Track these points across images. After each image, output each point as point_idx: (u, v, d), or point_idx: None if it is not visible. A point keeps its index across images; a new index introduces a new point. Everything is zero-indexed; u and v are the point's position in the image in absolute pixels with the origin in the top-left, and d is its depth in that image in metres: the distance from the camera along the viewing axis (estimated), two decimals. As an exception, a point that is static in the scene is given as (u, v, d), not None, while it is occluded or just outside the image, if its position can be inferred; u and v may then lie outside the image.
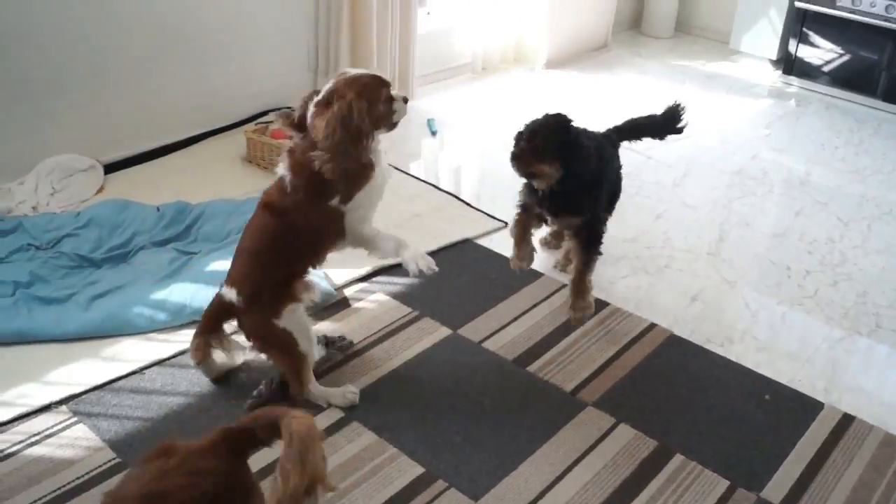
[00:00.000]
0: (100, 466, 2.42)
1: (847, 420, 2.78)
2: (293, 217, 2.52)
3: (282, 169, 2.56)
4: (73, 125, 3.84)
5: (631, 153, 4.65)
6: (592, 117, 5.09)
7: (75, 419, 2.58)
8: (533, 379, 2.87)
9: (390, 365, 2.89)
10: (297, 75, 4.65)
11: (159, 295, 3.01)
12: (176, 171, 4.04)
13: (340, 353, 2.90)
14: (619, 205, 4.10)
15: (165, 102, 4.14)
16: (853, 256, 3.83)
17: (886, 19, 5.47)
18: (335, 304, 3.18)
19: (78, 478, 2.38)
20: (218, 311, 2.65)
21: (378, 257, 2.68)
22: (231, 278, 2.60)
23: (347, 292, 3.26)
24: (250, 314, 2.58)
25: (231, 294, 2.58)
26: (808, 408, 2.83)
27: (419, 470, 2.47)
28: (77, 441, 2.50)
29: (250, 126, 4.30)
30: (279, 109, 4.49)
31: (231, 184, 3.95)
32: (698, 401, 2.83)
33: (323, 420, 2.62)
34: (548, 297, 3.31)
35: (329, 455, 2.43)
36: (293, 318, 2.57)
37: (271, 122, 4.32)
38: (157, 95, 4.09)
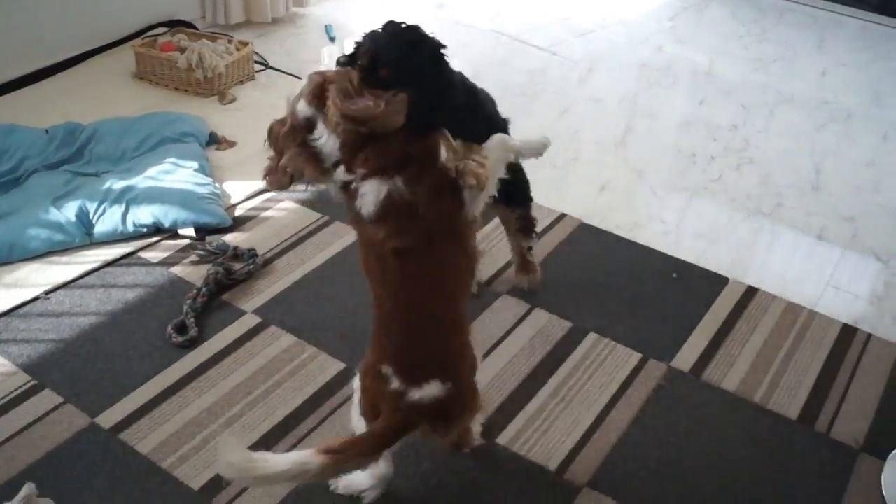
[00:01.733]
0: (15, 390, 2.37)
1: (751, 292, 2.88)
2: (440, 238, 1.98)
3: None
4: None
5: (536, 51, 4.64)
6: (496, 17, 5.06)
7: (-17, 347, 2.52)
8: (447, 274, 2.88)
9: (304, 269, 2.87)
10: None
11: (55, 216, 2.91)
12: (62, 93, 3.87)
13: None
14: (526, 102, 4.11)
15: (46, 21, 3.93)
16: (756, 141, 3.91)
17: None
18: (244, 217, 3.14)
19: (-7, 403, 2.34)
20: (413, 421, 1.91)
21: None
22: (425, 370, 1.89)
23: (254, 203, 3.21)
24: (462, 397, 1.97)
25: (433, 389, 1.88)
26: (713, 283, 2.91)
27: (340, 365, 2.47)
28: (-12, 368, 2.45)
29: (138, 41, 4.14)
30: (167, 23, 4.36)
31: (122, 102, 3.80)
32: (609, 283, 2.88)
33: (240, 327, 2.61)
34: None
35: (248, 360, 2.48)
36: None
37: (160, 35, 4.18)
38: (35, 14, 3.88)
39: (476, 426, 2.20)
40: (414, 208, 1.82)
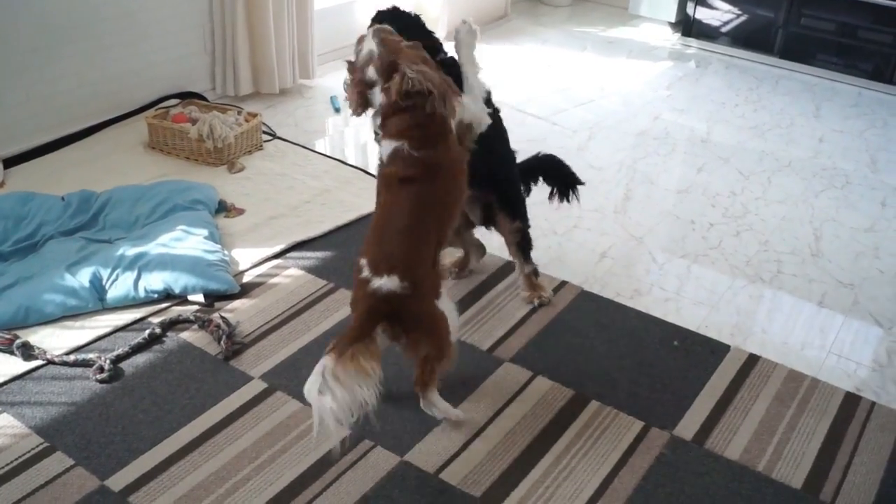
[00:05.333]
0: (29, 451, 2.41)
1: (752, 360, 2.91)
2: (434, 175, 2.45)
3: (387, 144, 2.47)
4: (-33, 121, 3.74)
5: (535, 120, 4.74)
6: (496, 88, 5.17)
7: (-1, 409, 2.57)
8: (451, 340, 2.93)
9: (310, 336, 2.91)
10: (193, 59, 4.59)
11: (69, 281, 2.98)
12: (77, 162, 3.96)
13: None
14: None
15: (61, 93, 4.04)
16: (755, 208, 3.98)
17: (781, -23, 5.66)
18: (252, 283, 3.20)
19: (7, 464, 2.37)
20: (376, 308, 2.35)
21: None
22: (387, 265, 2.36)
23: (261, 270, 3.27)
24: (417, 301, 2.37)
25: (390, 283, 2.34)
26: (715, 351, 2.95)
27: (344, 432, 2.48)
28: (2, 430, 2.48)
29: (150, 112, 4.25)
30: (178, 95, 4.47)
31: (135, 171, 3.89)
32: (611, 351, 2.92)
33: (247, 392, 2.65)
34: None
35: (255, 425, 2.52)
36: (446, 297, 2.50)
37: (172, 107, 4.29)
38: (53, 86, 3.99)
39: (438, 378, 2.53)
40: (414, 158, 2.41)
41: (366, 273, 2.37)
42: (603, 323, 3.07)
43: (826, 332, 3.12)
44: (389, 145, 2.46)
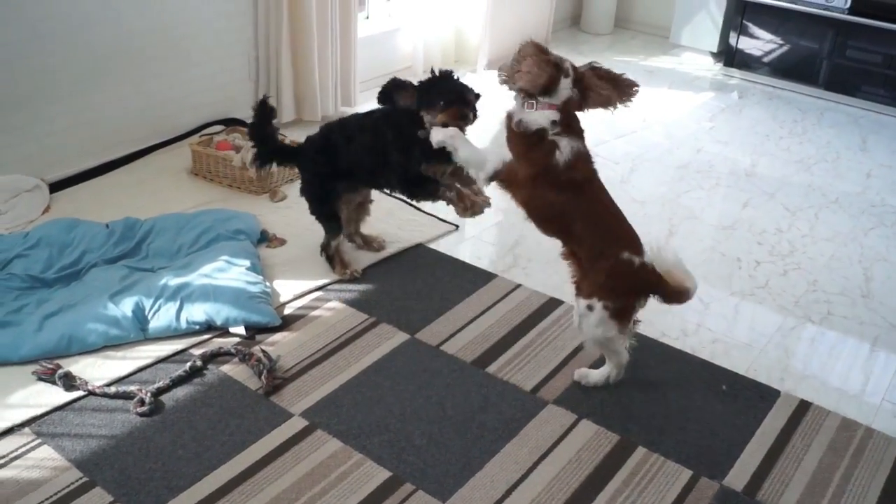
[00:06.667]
0: (68, 486, 2.39)
1: (804, 406, 2.83)
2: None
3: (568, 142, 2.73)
4: (16, 145, 3.76)
5: (579, 151, 4.69)
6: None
7: (39, 440, 2.54)
8: (493, 380, 2.88)
9: (350, 372, 2.88)
10: (238, 86, 4.61)
11: (112, 311, 2.97)
12: (122, 188, 3.99)
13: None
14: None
15: (108, 119, 4.08)
16: (802, 245, 3.90)
17: (826, 8, 5.57)
18: (293, 315, 3.17)
19: (47, 498, 2.35)
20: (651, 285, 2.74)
21: None
22: (638, 246, 2.73)
23: (302, 302, 3.24)
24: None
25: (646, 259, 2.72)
26: (765, 396, 2.87)
27: (386, 474, 2.46)
28: (43, 462, 2.47)
29: (194, 139, 4.26)
30: (223, 121, 4.48)
31: (178, 197, 3.90)
32: (657, 394, 2.86)
33: (287, 430, 2.61)
34: (502, 299, 3.32)
35: (295, 464, 2.48)
36: None
37: (215, 133, 4.30)
38: (99, 112, 4.03)
39: None
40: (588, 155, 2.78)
41: (637, 260, 2.67)
42: (648, 364, 3.01)
43: (880, 378, 3.04)
44: (570, 144, 2.70)
